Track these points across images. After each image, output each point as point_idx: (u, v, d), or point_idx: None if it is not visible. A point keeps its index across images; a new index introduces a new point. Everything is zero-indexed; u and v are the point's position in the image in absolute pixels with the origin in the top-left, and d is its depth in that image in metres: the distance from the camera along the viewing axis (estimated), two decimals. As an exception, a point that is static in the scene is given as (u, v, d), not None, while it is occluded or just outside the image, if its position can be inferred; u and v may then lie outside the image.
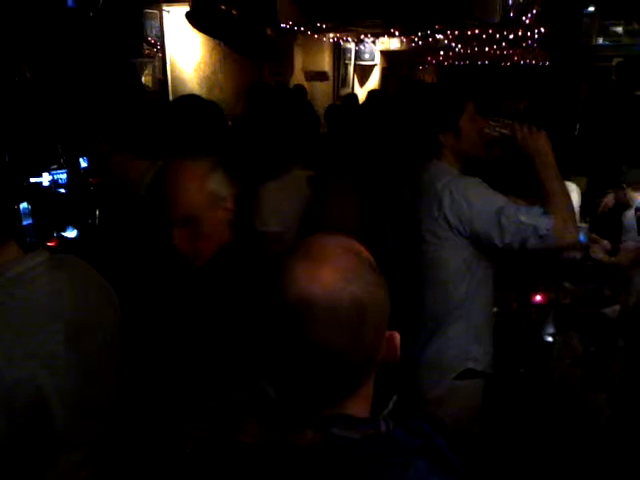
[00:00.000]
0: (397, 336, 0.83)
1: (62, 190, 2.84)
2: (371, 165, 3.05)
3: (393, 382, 1.08)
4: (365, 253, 0.80)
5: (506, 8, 5.78)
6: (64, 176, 2.85)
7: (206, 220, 1.42)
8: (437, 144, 2.00)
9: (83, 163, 2.93)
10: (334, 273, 0.74)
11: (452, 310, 1.97)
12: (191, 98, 2.25)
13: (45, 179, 2.76)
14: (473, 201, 1.85)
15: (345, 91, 7.78)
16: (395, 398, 0.86)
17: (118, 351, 1.20)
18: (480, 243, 1.90)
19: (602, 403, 2.21)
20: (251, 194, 2.22)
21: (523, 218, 1.80)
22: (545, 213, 1.79)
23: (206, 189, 1.42)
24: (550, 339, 2.72)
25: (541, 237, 1.78)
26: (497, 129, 1.94)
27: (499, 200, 1.86)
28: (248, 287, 1.21)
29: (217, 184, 1.45)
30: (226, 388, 1.21)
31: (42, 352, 0.99)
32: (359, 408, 0.79)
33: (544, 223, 1.78)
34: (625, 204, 3.53)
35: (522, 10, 6.10)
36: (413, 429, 0.78)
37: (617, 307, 2.72)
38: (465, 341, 1.99)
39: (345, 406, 0.78)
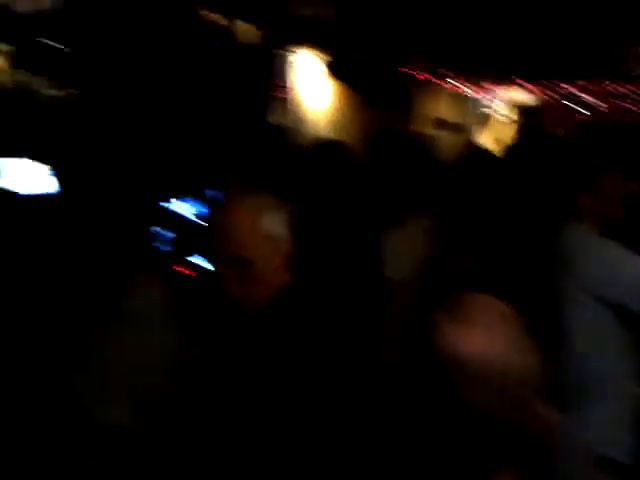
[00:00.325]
0: (552, 415, 0.78)
1: (198, 220, 3.05)
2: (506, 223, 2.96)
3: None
4: (515, 315, 0.78)
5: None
6: (205, 209, 3.06)
7: (258, 262, 1.25)
8: (575, 206, 1.92)
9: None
10: (486, 335, 0.74)
11: (592, 387, 1.83)
12: (331, 145, 2.34)
13: (189, 210, 2.99)
14: (618, 268, 1.77)
15: (477, 143, 7.69)
16: None
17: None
18: (623, 312, 1.76)
19: None
20: (375, 241, 2.24)
21: None
22: None
23: (260, 227, 1.27)
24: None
25: None
26: None
27: None
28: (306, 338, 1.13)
29: (274, 223, 1.30)
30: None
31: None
32: None
33: None
34: None
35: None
36: None
37: None
38: (604, 424, 1.82)
39: None
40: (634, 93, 6.63)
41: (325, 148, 2.32)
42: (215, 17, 3.70)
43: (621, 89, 6.57)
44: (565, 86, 6.60)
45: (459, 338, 0.73)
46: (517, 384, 0.72)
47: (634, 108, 7.79)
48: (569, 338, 1.86)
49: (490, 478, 0.75)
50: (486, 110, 7.92)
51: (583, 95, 7.15)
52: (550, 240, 1.99)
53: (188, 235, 2.76)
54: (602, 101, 7.69)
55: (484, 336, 0.73)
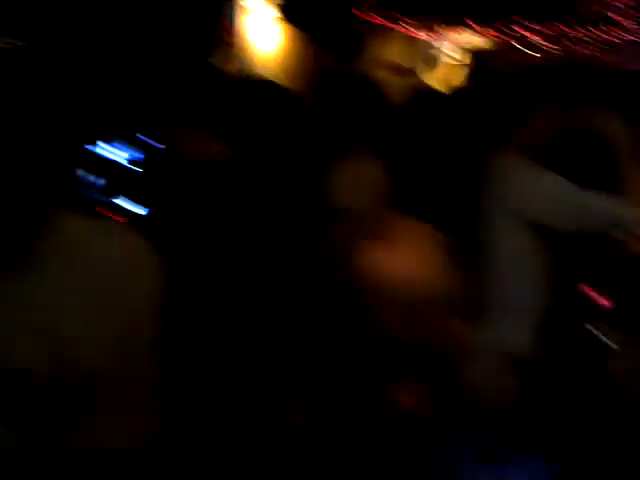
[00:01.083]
0: (457, 324, 0.80)
1: (135, 168, 2.98)
2: (447, 156, 2.99)
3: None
4: (439, 239, 0.79)
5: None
6: (141, 155, 2.99)
7: None
8: (509, 135, 1.97)
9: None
10: (408, 257, 0.74)
11: (505, 298, 1.93)
12: (270, 85, 2.31)
13: (123, 155, 2.91)
14: (549, 191, 1.84)
15: (428, 86, 7.67)
16: None
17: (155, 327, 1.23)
18: (546, 233, 1.86)
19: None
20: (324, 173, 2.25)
21: (606, 206, 1.78)
22: (629, 204, 1.79)
23: None
24: (613, 344, 2.57)
25: (623, 228, 1.76)
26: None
27: (576, 189, 1.82)
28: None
29: None
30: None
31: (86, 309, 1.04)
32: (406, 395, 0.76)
33: (628, 213, 1.76)
34: None
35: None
36: None
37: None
38: (512, 332, 1.94)
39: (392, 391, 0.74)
40: (589, 36, 6.66)
41: (259, 86, 2.28)
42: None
43: (576, 32, 6.58)
44: (517, 29, 6.58)
45: (381, 259, 0.74)
46: (435, 302, 0.74)
47: (588, 51, 7.86)
48: (489, 256, 1.93)
49: (391, 388, 0.79)
50: (437, 53, 7.87)
51: (535, 38, 7.16)
52: (481, 167, 2.04)
53: (119, 180, 2.71)
54: (555, 44, 7.72)
55: (405, 257, 0.74)
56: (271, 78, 5.12)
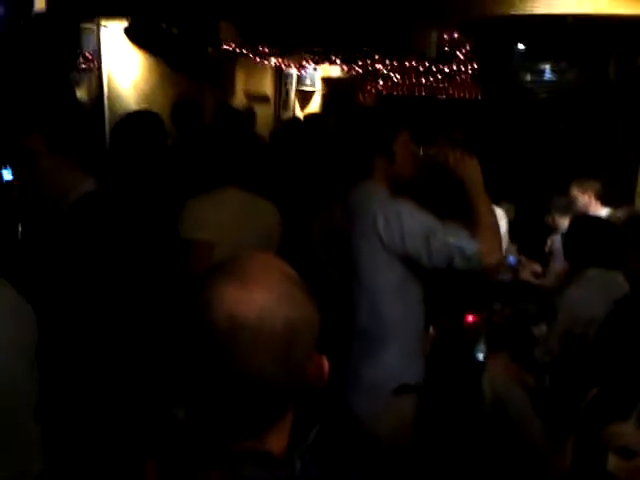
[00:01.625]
0: (325, 360, 0.78)
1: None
2: (309, 186, 3.06)
3: (317, 408, 1.03)
4: (295, 274, 0.76)
5: (441, 43, 6.05)
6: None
7: None
8: (370, 166, 2.03)
9: (6, 175, 2.78)
10: (267, 295, 0.70)
11: (386, 332, 1.98)
12: (140, 115, 2.24)
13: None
14: (405, 221, 1.88)
15: (286, 114, 7.84)
16: (317, 429, 0.79)
17: (36, 370, 1.12)
18: (411, 263, 1.92)
19: (536, 429, 2.26)
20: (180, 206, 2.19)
21: (451, 239, 1.84)
22: (472, 236, 1.84)
23: None
24: (482, 358, 2.77)
25: (467, 258, 1.82)
26: (431, 154, 2.01)
27: (429, 221, 1.89)
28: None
29: None
30: (129, 412, 1.14)
31: None
32: (276, 440, 0.74)
33: (470, 245, 1.82)
34: (553, 229, 3.70)
35: (456, 46, 6.39)
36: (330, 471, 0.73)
37: (544, 326, 2.82)
38: (399, 365, 2.00)
39: (262, 438, 0.72)
40: (428, 68, 7.27)
41: (137, 118, 2.20)
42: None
43: (417, 65, 7.16)
44: (369, 62, 7.00)
45: (237, 298, 0.68)
46: (302, 344, 0.71)
47: (427, 82, 8.60)
48: (365, 289, 1.99)
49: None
50: (297, 84, 8.11)
51: (384, 70, 7.67)
52: (346, 197, 2.10)
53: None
54: (400, 75, 8.32)
55: (265, 295, 0.69)
56: (133, 105, 4.98)
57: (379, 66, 7.30)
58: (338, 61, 7.24)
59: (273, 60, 7.07)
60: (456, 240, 1.83)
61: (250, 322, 0.67)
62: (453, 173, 1.93)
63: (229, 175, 2.28)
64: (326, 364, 0.78)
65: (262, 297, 0.69)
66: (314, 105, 8.93)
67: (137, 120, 2.13)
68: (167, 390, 0.77)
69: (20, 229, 2.51)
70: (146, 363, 1.28)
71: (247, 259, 0.75)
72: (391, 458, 1.97)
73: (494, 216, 1.95)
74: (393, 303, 1.97)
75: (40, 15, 3.54)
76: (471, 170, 1.92)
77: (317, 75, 8.41)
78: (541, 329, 2.84)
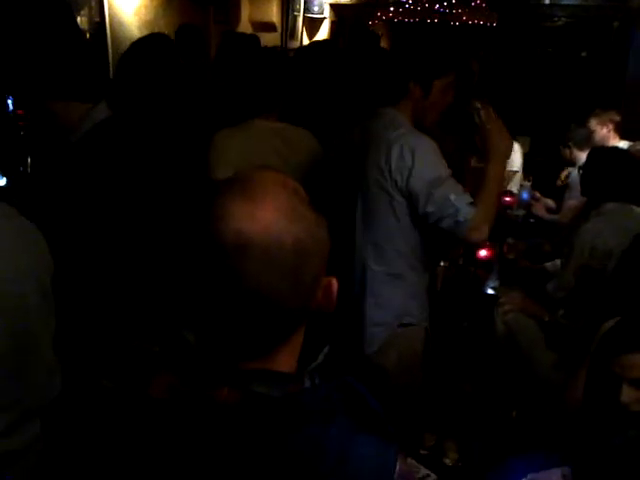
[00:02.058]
0: (335, 283, 0.77)
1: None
2: (332, 111, 2.96)
3: (326, 332, 1.04)
4: (303, 191, 0.75)
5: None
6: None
7: None
8: (403, 91, 1.94)
9: (12, 105, 2.71)
10: (276, 212, 0.69)
11: (392, 266, 1.96)
12: (152, 39, 2.11)
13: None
14: (417, 160, 1.81)
15: (293, 44, 7.57)
16: (326, 350, 0.80)
17: (52, 301, 1.11)
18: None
19: (548, 362, 2.28)
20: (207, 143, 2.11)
21: (452, 197, 1.79)
22: (472, 204, 1.80)
23: None
24: (492, 292, 2.78)
25: (456, 222, 1.79)
26: (475, 110, 1.91)
27: (440, 169, 1.84)
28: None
29: None
30: (143, 334, 1.15)
31: None
32: (285, 361, 0.75)
33: (466, 211, 1.78)
34: (571, 162, 3.61)
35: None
36: (340, 386, 0.74)
37: (557, 262, 2.80)
38: (403, 299, 2.00)
39: (272, 358, 0.73)
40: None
41: (149, 42, 2.09)
42: None
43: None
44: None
45: (244, 214, 0.67)
46: (310, 262, 0.71)
47: (440, 8, 8.22)
48: (374, 221, 1.96)
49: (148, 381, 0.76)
50: (305, 11, 7.78)
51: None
52: (366, 121, 2.02)
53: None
54: (413, 1, 7.96)
55: (273, 212, 0.68)
56: (136, 32, 4.81)
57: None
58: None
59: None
60: (456, 200, 1.79)
61: (258, 238, 0.67)
62: (483, 134, 1.86)
63: (258, 105, 2.17)
64: (335, 286, 0.78)
65: (270, 214, 0.68)
66: (322, 33, 8.61)
67: (149, 44, 2.02)
68: (178, 313, 0.77)
69: (29, 160, 2.47)
70: (157, 287, 1.27)
71: (257, 176, 0.73)
72: (400, 390, 2.00)
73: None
74: (396, 239, 1.94)
75: None
76: (504, 141, 1.86)
77: (325, 1, 8.05)
78: (555, 264, 2.82)
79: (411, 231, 1.94)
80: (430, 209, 1.81)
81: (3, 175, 2.54)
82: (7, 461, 0.95)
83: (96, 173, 1.48)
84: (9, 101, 2.59)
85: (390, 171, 1.83)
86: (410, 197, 1.84)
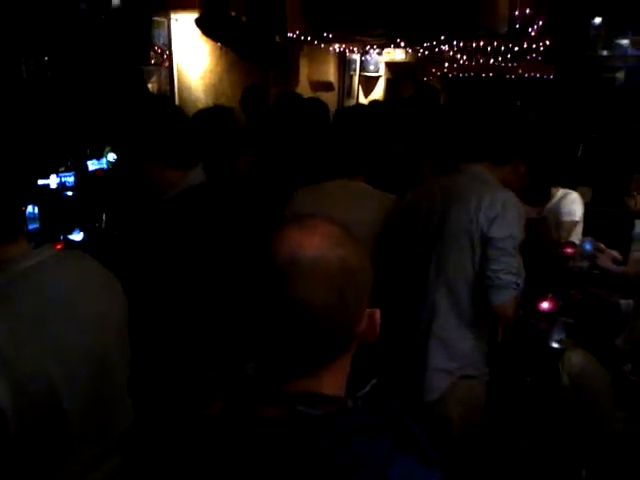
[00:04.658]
0: (378, 314, 0.82)
1: (69, 193, 2.84)
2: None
3: (375, 364, 1.06)
4: (354, 237, 0.82)
5: (512, 19, 5.82)
6: (72, 179, 2.85)
7: None
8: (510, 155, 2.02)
9: (91, 166, 2.93)
10: (324, 238, 0.76)
11: (464, 313, 1.96)
12: (218, 110, 2.28)
13: (53, 181, 2.76)
14: (506, 210, 1.87)
15: (350, 102, 7.82)
16: (374, 381, 0.84)
17: (128, 345, 1.19)
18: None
19: (618, 419, 2.18)
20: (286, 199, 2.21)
21: (514, 261, 1.84)
22: (515, 288, 1.84)
23: None
24: (557, 346, 2.70)
25: (497, 287, 1.83)
26: None
27: (520, 230, 1.88)
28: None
29: None
30: (205, 365, 1.20)
31: (55, 345, 0.97)
32: (331, 384, 0.79)
33: (513, 282, 1.83)
34: (636, 212, 3.51)
35: (528, 22, 6.13)
36: (380, 408, 0.77)
37: (631, 302, 2.70)
38: (470, 348, 1.97)
39: (318, 380, 0.77)
40: (496, 48, 7.02)
41: (212, 115, 2.25)
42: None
43: (485, 45, 6.92)
44: (434, 44, 6.84)
45: (297, 240, 0.75)
46: (355, 283, 0.76)
47: (495, 63, 8.32)
48: (443, 270, 1.97)
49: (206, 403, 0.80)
50: (361, 70, 8.05)
51: (450, 51, 7.48)
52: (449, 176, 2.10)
53: (51, 206, 2.56)
54: (467, 56, 8.11)
55: (322, 239, 0.76)
56: (202, 95, 5.10)
57: (445, 47, 7.12)
58: (403, 44, 7.13)
59: (337, 46, 7.05)
60: (515, 266, 1.84)
61: (307, 258, 0.74)
62: None
63: (341, 167, 2.21)
64: (379, 317, 0.82)
65: (320, 239, 0.76)
66: (378, 90, 8.85)
67: (218, 115, 2.18)
68: (241, 349, 0.83)
69: (104, 217, 2.65)
70: (226, 322, 1.33)
71: (311, 216, 0.82)
72: (461, 442, 1.96)
73: None
74: (472, 286, 1.94)
75: (116, 9, 3.67)
76: None
77: (381, 60, 8.32)
78: (629, 304, 2.72)
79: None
80: (489, 259, 1.84)
81: (81, 230, 2.72)
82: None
83: (183, 231, 1.57)
84: (89, 162, 2.81)
85: (478, 218, 1.87)
86: (486, 243, 1.87)
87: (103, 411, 1.07)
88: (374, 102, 5.31)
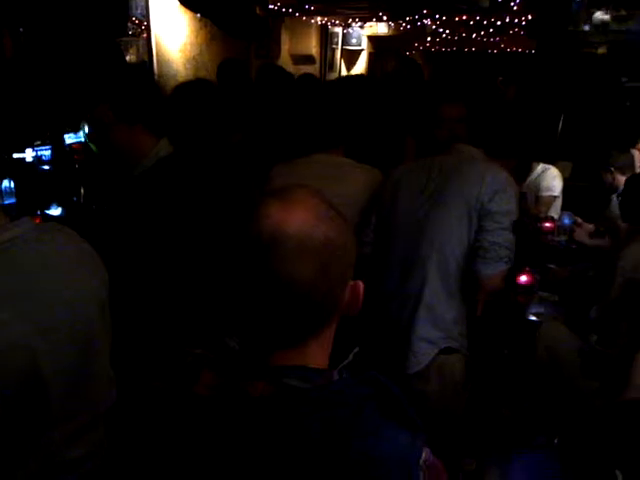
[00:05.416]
0: (361, 285, 0.84)
1: (46, 167, 2.79)
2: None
3: (357, 334, 1.09)
4: (336, 208, 0.82)
5: (494, -7, 5.78)
6: (48, 152, 2.80)
7: None
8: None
9: (68, 139, 2.88)
10: (307, 212, 0.77)
11: (452, 284, 1.98)
12: (202, 83, 2.25)
13: (28, 155, 2.70)
14: (507, 187, 1.96)
15: (332, 75, 7.74)
16: (356, 350, 0.86)
17: (110, 319, 1.18)
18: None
19: (593, 391, 2.23)
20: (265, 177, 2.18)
21: (510, 235, 1.92)
22: (507, 262, 1.92)
23: None
24: (534, 319, 2.74)
25: (487, 258, 1.90)
26: None
27: (516, 205, 1.97)
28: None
29: None
30: (189, 340, 1.22)
31: (38, 317, 0.96)
32: (316, 356, 0.80)
33: (503, 258, 1.91)
34: (614, 188, 3.56)
35: (510, -4, 6.09)
36: (366, 378, 0.79)
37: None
38: (453, 320, 2.00)
39: (303, 352, 0.79)
40: (478, 23, 6.98)
41: (193, 88, 2.21)
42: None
43: (467, 20, 6.87)
44: (417, 18, 6.77)
45: (280, 215, 0.76)
46: (337, 257, 0.78)
47: (477, 37, 8.27)
48: (434, 243, 2.01)
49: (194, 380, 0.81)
50: (343, 44, 7.96)
51: (433, 25, 7.41)
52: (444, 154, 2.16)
53: (29, 181, 2.52)
54: (450, 30, 8.04)
55: (305, 214, 0.77)
56: (181, 68, 5.00)
57: (427, 21, 7.06)
58: (385, 18, 7.05)
59: (319, 19, 6.95)
60: (510, 241, 1.91)
61: (290, 233, 0.75)
62: None
63: (320, 141, 2.19)
64: (362, 288, 0.84)
65: (302, 215, 0.77)
66: (360, 64, 8.78)
67: (196, 89, 2.14)
68: (222, 320, 0.84)
69: (82, 191, 2.62)
70: (205, 295, 1.34)
71: (294, 187, 0.82)
72: (440, 417, 1.99)
73: None
74: (464, 257, 1.98)
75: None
76: None
77: (363, 33, 8.23)
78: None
79: (471, 252, 1.98)
80: (486, 230, 1.91)
81: (59, 205, 2.69)
82: (67, 469, 1.01)
83: (156, 204, 1.56)
84: (66, 136, 2.76)
85: (480, 191, 1.93)
86: (485, 215, 1.93)
87: (86, 386, 1.07)
88: (353, 76, 5.27)
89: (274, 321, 0.77)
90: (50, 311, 0.98)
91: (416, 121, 2.97)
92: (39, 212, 2.69)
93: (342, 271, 0.79)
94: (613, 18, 5.07)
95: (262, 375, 0.77)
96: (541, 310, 2.84)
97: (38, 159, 2.76)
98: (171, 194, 1.58)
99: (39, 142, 2.78)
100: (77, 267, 1.09)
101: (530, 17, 6.44)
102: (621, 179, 3.42)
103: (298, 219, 0.76)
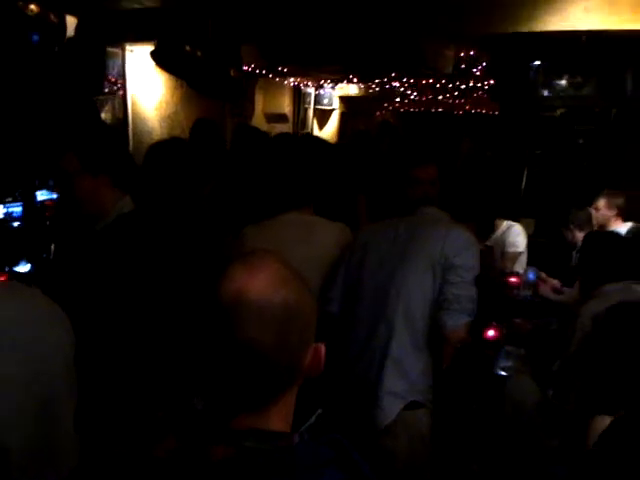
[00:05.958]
0: (323, 348, 0.86)
1: (16, 223, 2.79)
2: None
3: (320, 396, 1.09)
4: (299, 273, 0.85)
5: (458, 60, 6.10)
6: (19, 209, 2.81)
7: None
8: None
9: (40, 196, 2.89)
10: (269, 277, 0.80)
11: (419, 338, 2.02)
12: (176, 142, 2.31)
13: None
14: (469, 245, 2.08)
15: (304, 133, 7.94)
16: (319, 411, 0.86)
17: (75, 379, 1.18)
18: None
19: (553, 449, 2.25)
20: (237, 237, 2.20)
21: (473, 290, 2.02)
22: (470, 315, 2.02)
23: None
24: (502, 373, 2.78)
25: (452, 310, 1.98)
26: None
27: (478, 263, 2.07)
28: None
29: None
30: (151, 404, 1.21)
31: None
32: (277, 420, 0.81)
33: (467, 311, 2.00)
34: (573, 245, 3.69)
35: (473, 63, 6.43)
36: (329, 441, 0.79)
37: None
38: (419, 373, 2.03)
39: (264, 416, 0.80)
40: (444, 86, 7.32)
41: (168, 147, 2.27)
42: (36, 9, 3.31)
43: (434, 83, 7.20)
44: (385, 80, 7.08)
45: (243, 280, 0.78)
46: (297, 323, 0.80)
47: (443, 99, 8.64)
48: (401, 298, 2.06)
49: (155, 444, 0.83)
50: (315, 103, 8.22)
51: (401, 87, 7.73)
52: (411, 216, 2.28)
53: (11, 241, 2.52)
54: (417, 92, 8.39)
55: (267, 279, 0.79)
56: (157, 126, 5.09)
57: (396, 84, 7.37)
58: (355, 80, 7.34)
59: (291, 79, 7.20)
60: (473, 295, 2.01)
61: (251, 298, 0.77)
62: None
63: (291, 200, 2.22)
64: (323, 351, 0.85)
65: (265, 281, 0.79)
66: (332, 123, 9.04)
67: (170, 148, 2.21)
68: (188, 382, 0.85)
69: (53, 248, 2.61)
70: (170, 363, 1.34)
71: (259, 252, 0.85)
72: (411, 472, 1.99)
73: None
74: (428, 312, 2.04)
75: (70, 41, 3.66)
76: None
77: (335, 94, 8.52)
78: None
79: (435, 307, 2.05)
80: (453, 281, 1.99)
81: (27, 262, 2.67)
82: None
83: (118, 259, 1.58)
84: (38, 192, 2.78)
85: (444, 246, 2.02)
86: (449, 269, 2.01)
87: (47, 448, 1.05)
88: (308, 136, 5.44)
89: (235, 384, 0.79)
90: (10, 370, 0.98)
91: (370, 179, 3.10)
92: (7, 269, 2.66)
93: (302, 335, 0.81)
94: (569, 84, 5.37)
95: (223, 438, 0.78)
96: (509, 364, 2.88)
97: (9, 216, 2.76)
98: (130, 252, 1.60)
99: (10, 199, 2.79)
100: (42, 327, 1.10)
101: (492, 82, 6.79)
102: (579, 235, 3.56)
103: (259, 284, 0.78)
